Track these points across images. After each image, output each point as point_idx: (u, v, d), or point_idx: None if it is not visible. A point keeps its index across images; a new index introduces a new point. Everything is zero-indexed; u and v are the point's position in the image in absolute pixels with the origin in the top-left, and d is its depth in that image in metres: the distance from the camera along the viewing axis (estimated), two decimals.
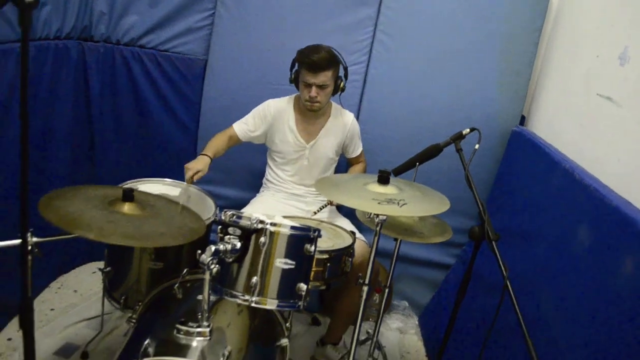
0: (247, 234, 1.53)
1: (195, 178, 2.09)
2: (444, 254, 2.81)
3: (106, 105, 2.71)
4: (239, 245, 1.50)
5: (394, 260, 2.01)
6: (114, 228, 1.43)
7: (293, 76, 2.32)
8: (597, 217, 1.61)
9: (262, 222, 1.52)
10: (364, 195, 1.65)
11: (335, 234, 2.07)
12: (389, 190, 1.70)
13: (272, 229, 1.52)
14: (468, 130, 1.84)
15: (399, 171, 1.96)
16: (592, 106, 1.96)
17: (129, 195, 1.63)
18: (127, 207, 1.61)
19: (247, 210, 2.39)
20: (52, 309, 2.48)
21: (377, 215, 1.67)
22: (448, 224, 2.04)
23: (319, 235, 1.63)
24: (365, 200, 1.61)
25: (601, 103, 1.89)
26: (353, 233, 2.08)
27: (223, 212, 1.59)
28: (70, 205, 1.49)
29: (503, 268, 1.47)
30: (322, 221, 2.21)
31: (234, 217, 1.57)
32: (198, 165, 2.12)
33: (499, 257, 1.51)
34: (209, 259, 1.41)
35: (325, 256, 1.84)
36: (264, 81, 2.65)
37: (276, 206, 2.39)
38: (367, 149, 2.64)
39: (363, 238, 2.27)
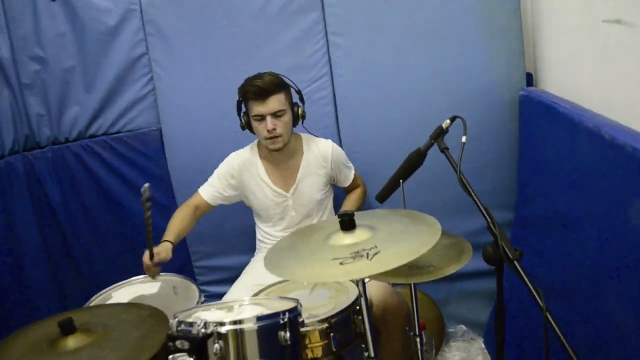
0: (197, 344, 1.19)
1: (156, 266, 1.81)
2: None
3: (74, 211, 2.45)
4: None
5: (414, 306, 1.57)
6: None
7: (243, 120, 2.01)
8: None
9: (207, 325, 1.18)
10: (322, 256, 1.22)
11: (338, 289, 1.68)
12: (357, 236, 1.26)
13: (224, 329, 1.18)
14: (448, 121, 1.44)
15: (383, 196, 1.57)
16: (600, 36, 1.52)
17: (69, 328, 1.34)
18: (71, 342, 1.31)
19: (238, 285, 2.06)
20: None
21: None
22: (464, 239, 1.58)
23: (296, 314, 1.28)
24: (324, 264, 1.18)
25: (609, 31, 1.45)
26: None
27: (172, 320, 1.26)
28: None
29: (537, 297, 1.06)
30: None
31: (181, 325, 1.24)
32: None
33: (527, 281, 1.10)
34: None
35: (325, 325, 1.47)
36: (227, 131, 2.30)
37: None
38: (364, 172, 2.27)
39: None
